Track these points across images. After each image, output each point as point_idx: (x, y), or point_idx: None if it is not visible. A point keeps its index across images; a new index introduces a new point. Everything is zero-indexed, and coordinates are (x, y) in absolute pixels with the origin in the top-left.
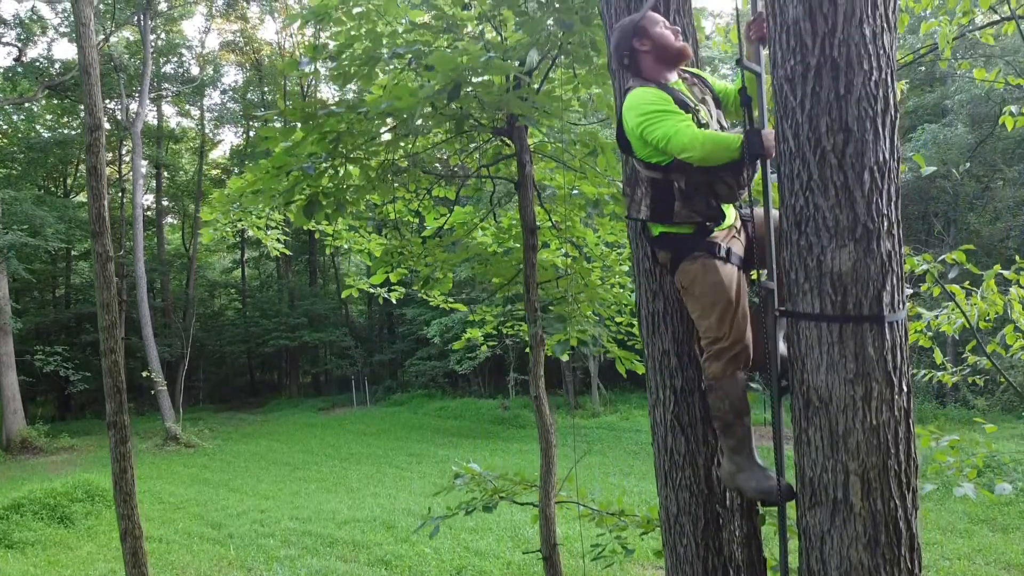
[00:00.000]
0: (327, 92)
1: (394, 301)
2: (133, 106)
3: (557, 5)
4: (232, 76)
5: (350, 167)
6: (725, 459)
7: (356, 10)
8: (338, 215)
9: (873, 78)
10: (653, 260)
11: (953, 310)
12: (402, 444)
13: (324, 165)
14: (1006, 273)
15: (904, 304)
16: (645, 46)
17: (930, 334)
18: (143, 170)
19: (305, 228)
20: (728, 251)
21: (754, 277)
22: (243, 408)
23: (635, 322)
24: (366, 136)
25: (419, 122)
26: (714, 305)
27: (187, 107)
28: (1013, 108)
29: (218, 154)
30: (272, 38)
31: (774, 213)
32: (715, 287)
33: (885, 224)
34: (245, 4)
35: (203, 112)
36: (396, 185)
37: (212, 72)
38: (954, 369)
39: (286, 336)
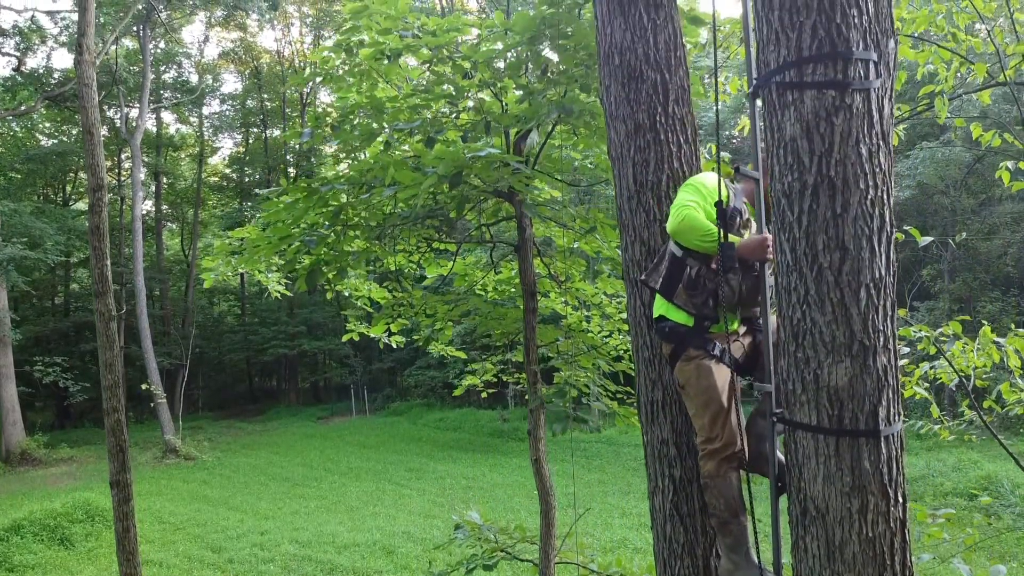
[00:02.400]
0: (325, 96)
1: (394, 346)
2: (133, 113)
3: (552, 75)
4: (232, 84)
5: (351, 234)
6: (723, 557)
7: (359, 67)
8: (339, 280)
9: (869, 196)
10: (652, 349)
11: (952, 359)
12: (401, 458)
13: (327, 235)
14: (1001, 340)
15: (900, 416)
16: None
17: (925, 385)
18: (142, 177)
19: None
20: (723, 351)
21: (747, 381)
22: (242, 416)
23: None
24: (367, 205)
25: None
26: (707, 406)
27: (186, 114)
28: (1009, 164)
29: (217, 160)
30: (271, 46)
31: (772, 318)
32: (708, 390)
33: (881, 340)
34: (244, 13)
35: (202, 119)
36: (397, 241)
37: (211, 81)
38: (950, 424)
39: (285, 344)
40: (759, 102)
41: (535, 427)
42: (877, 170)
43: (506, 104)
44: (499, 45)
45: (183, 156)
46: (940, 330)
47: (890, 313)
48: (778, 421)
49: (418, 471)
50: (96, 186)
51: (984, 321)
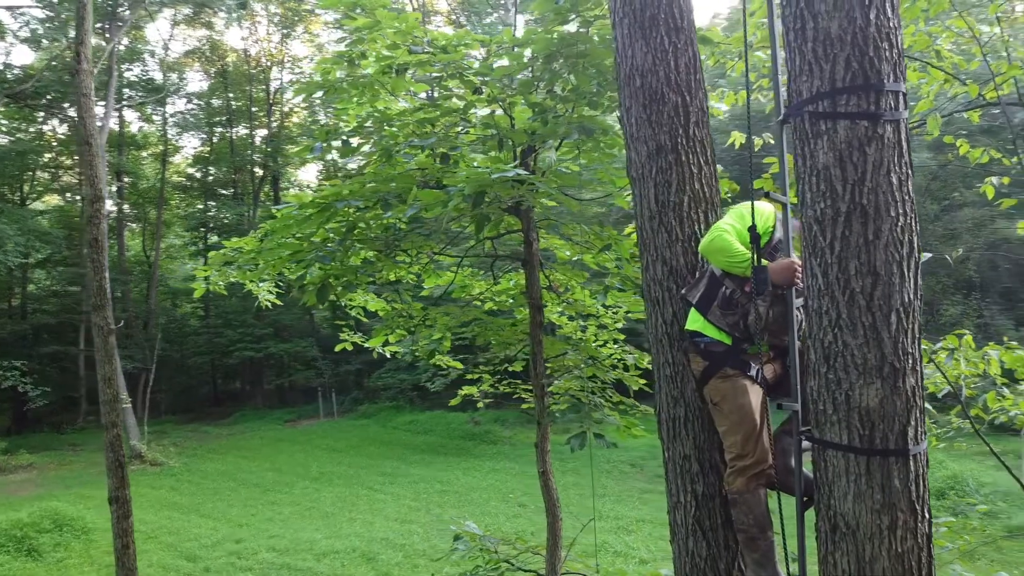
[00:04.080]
0: (294, 98)
1: (388, 355)
2: (99, 110)
3: (562, 92)
4: (197, 83)
5: (359, 247)
6: (751, 571)
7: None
8: (346, 294)
9: (900, 224)
10: (675, 367)
11: (937, 368)
12: (374, 462)
13: (338, 251)
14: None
15: (925, 435)
16: None
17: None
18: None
19: None
20: (759, 372)
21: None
22: (208, 419)
23: (625, 375)
24: (380, 220)
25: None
26: (741, 424)
27: (150, 112)
28: (994, 179)
29: (180, 159)
30: (238, 44)
31: (797, 337)
32: (742, 408)
33: (910, 362)
34: (212, 11)
35: (166, 118)
36: (398, 253)
37: (176, 79)
38: (939, 431)
39: (251, 347)
40: (787, 128)
41: (542, 440)
42: (906, 198)
43: (514, 120)
44: (505, 61)
45: (146, 155)
46: (940, 344)
47: (917, 336)
48: (807, 440)
49: (391, 475)
50: (95, 197)
51: (946, 324)
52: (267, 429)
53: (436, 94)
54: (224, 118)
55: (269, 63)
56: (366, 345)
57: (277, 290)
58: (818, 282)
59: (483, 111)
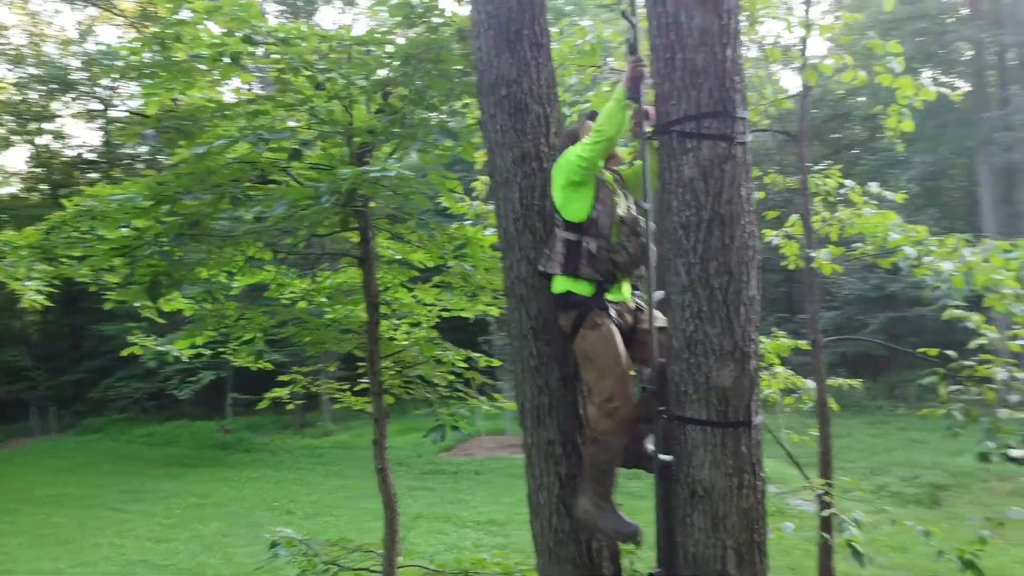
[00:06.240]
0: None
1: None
2: None
3: (407, 92)
4: None
5: (195, 243)
6: (588, 502)
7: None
8: (170, 292)
9: (747, 230)
10: (539, 359)
11: None
12: (112, 480)
13: (178, 245)
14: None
15: (760, 408)
16: None
17: None
18: None
19: None
20: (619, 314)
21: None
22: None
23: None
24: (218, 212)
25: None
26: (611, 369)
27: None
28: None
29: None
30: None
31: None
32: (612, 354)
33: (753, 347)
34: None
35: None
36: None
37: None
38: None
39: None
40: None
41: (380, 437)
42: (751, 209)
43: (353, 118)
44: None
45: None
46: None
47: (757, 325)
48: (669, 419)
49: (136, 493)
50: None
51: None
52: None
53: (273, 87)
54: None
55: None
56: (172, 349)
57: (51, 289)
58: (682, 279)
59: (323, 107)
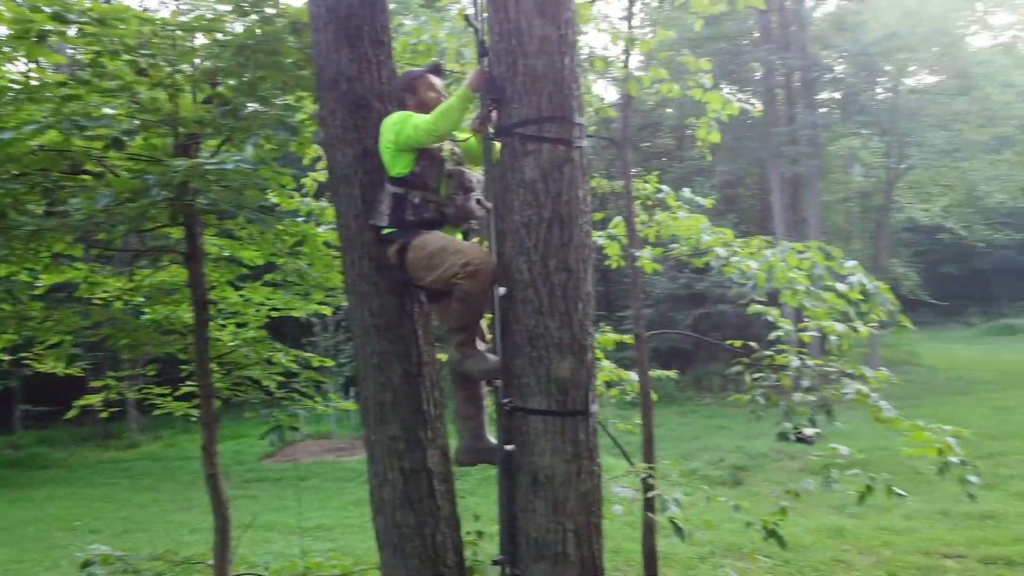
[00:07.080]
0: None
1: None
2: None
3: (237, 83)
4: None
5: None
6: (455, 351)
7: None
8: None
9: (584, 230)
10: (382, 355)
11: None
12: None
13: None
14: None
15: (596, 397)
16: (411, 101)
17: None
18: None
19: None
20: None
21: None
22: None
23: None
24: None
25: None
26: (446, 248)
27: None
28: None
29: None
30: None
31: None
32: (444, 238)
33: (590, 340)
34: None
35: None
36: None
37: None
38: None
39: None
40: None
41: (210, 442)
42: (587, 210)
43: (178, 107)
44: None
45: None
46: None
47: (593, 319)
48: (513, 409)
49: None
50: None
51: None
52: None
53: (88, 70)
54: None
55: None
56: None
57: None
58: (523, 276)
59: (146, 94)
